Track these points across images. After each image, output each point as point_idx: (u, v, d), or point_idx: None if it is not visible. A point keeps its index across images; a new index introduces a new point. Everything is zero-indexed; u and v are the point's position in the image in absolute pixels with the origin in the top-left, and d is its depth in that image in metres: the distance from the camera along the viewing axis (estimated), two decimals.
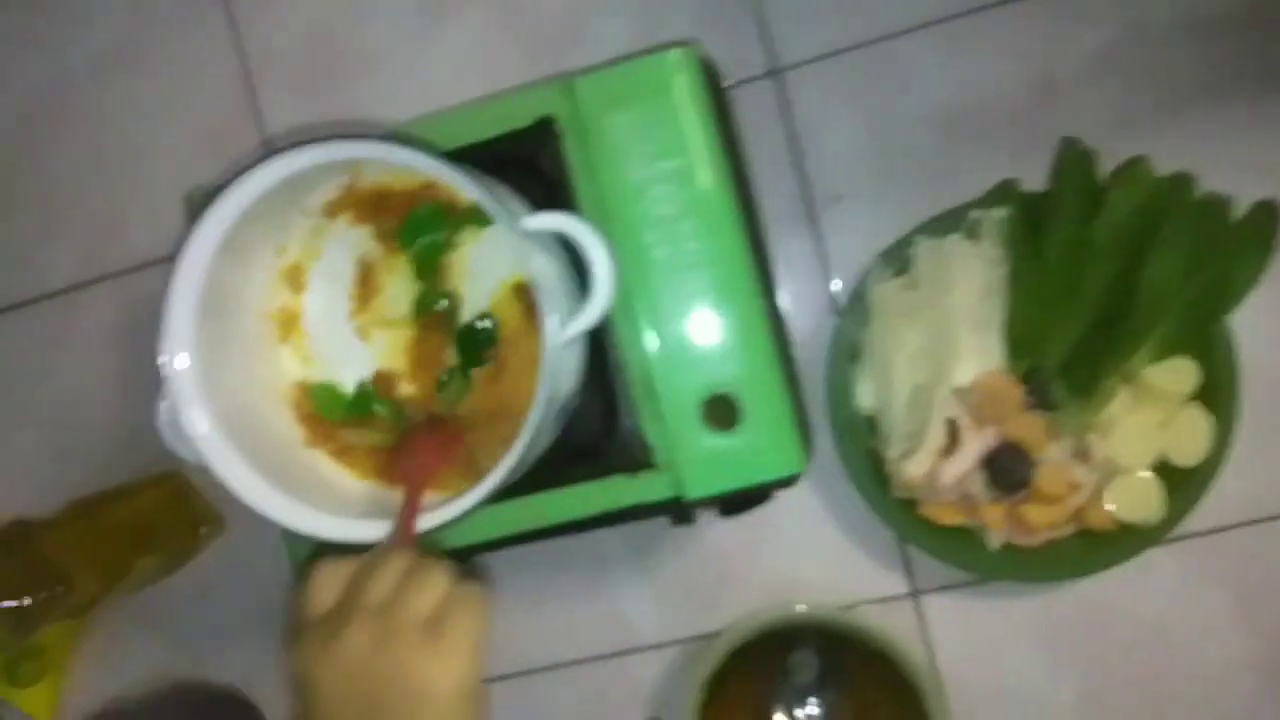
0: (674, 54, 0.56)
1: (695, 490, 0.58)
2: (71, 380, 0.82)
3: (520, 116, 0.58)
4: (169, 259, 0.79)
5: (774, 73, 0.72)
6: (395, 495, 0.56)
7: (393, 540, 0.51)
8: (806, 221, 0.72)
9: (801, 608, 0.69)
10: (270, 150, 0.50)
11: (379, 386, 0.60)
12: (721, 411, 0.57)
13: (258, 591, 0.80)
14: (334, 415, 0.59)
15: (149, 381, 0.79)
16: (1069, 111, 0.69)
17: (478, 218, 0.56)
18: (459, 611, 0.45)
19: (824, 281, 0.73)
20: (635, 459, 0.58)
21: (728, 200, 0.57)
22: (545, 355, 0.47)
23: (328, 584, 0.47)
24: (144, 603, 0.79)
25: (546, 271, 0.48)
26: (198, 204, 0.62)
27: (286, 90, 0.78)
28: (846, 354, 0.69)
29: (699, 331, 0.57)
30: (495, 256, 0.58)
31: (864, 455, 0.69)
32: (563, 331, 0.48)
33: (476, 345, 0.58)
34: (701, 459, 0.57)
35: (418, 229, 0.57)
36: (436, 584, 0.46)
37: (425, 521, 0.51)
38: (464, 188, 0.48)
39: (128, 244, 0.80)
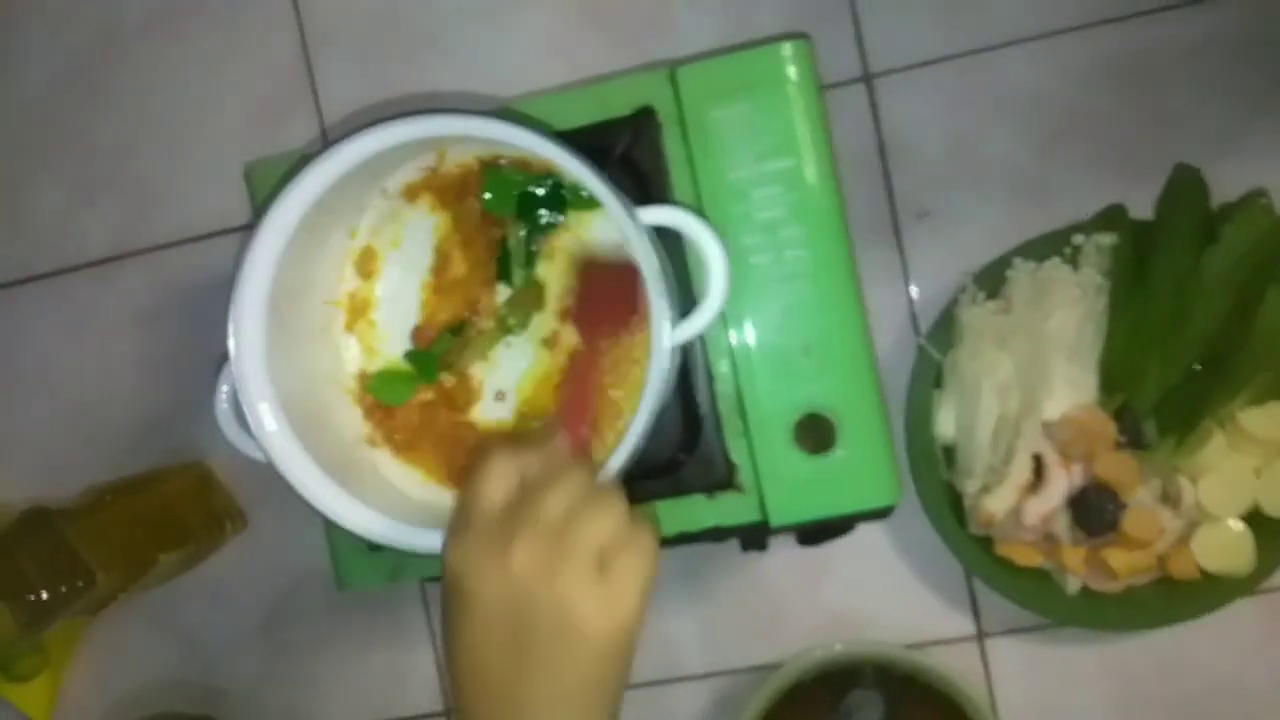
0: (788, 46, 0.53)
1: (781, 516, 0.54)
2: (96, 358, 0.77)
3: (618, 104, 0.54)
4: (208, 236, 0.76)
5: (867, 78, 0.69)
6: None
7: (560, 419, 0.48)
8: (890, 234, 0.69)
9: (863, 644, 0.65)
10: (372, 119, 0.45)
11: (417, 339, 0.56)
12: (815, 433, 0.53)
13: (276, 596, 0.76)
14: (402, 398, 0.55)
15: (177, 364, 0.76)
16: (1177, 138, 0.66)
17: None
18: (631, 552, 0.42)
19: (904, 299, 0.69)
20: (717, 478, 0.54)
21: (837, 207, 0.53)
22: (656, 358, 0.43)
23: (501, 478, 0.43)
24: (154, 599, 0.75)
25: (656, 269, 0.44)
26: (259, 178, 0.58)
27: (345, 66, 0.73)
28: (930, 378, 0.65)
29: (796, 345, 0.53)
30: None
31: (941, 487, 0.65)
32: (674, 334, 0.44)
33: (538, 208, 0.53)
34: (790, 483, 0.53)
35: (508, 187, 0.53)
36: (613, 516, 0.42)
37: None
38: (580, 175, 0.44)
39: (165, 217, 0.75)
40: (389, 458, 0.55)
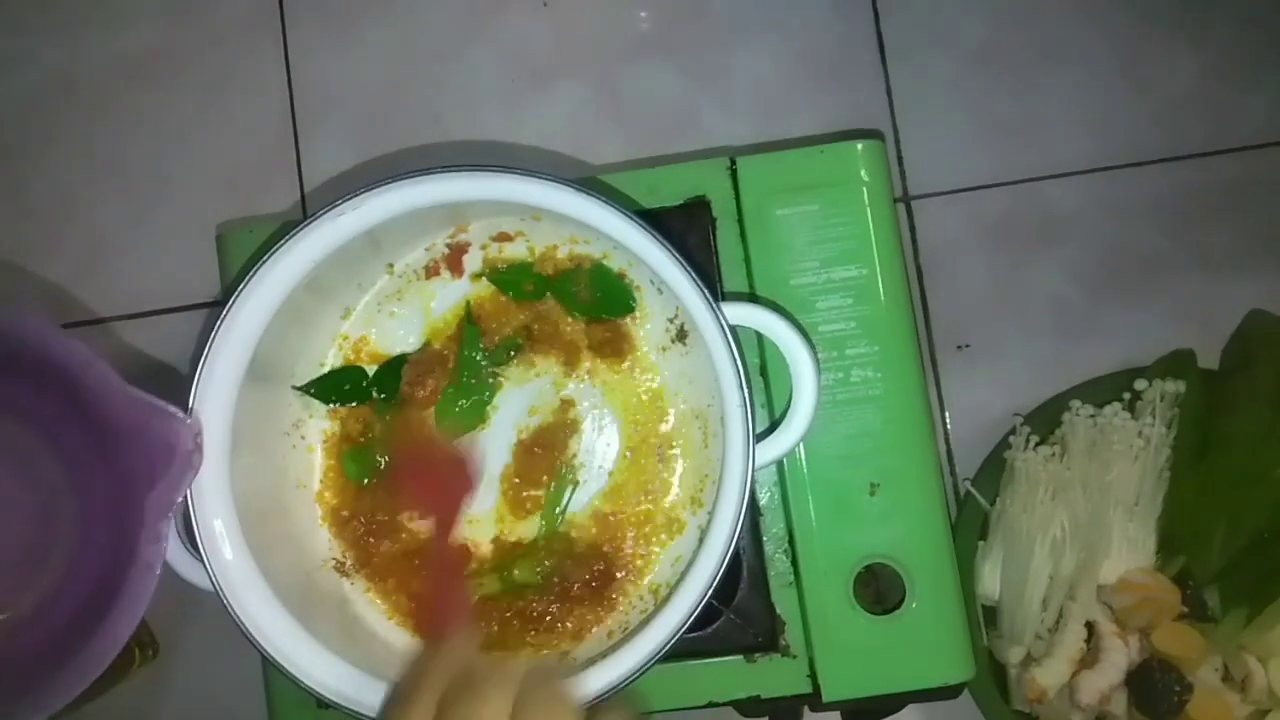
0: (862, 145, 0.47)
1: (836, 689, 0.45)
2: None
3: (668, 192, 0.47)
4: (156, 313, 0.66)
5: (906, 199, 0.64)
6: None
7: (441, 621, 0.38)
8: (925, 367, 0.63)
9: None
10: (411, 170, 0.38)
11: None
12: (878, 588, 0.45)
13: None
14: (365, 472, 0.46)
15: None
16: (1230, 283, 0.62)
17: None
18: None
19: (941, 437, 0.62)
20: (759, 637, 0.45)
21: (911, 325, 0.46)
22: (730, 483, 0.35)
23: (419, 709, 0.33)
24: None
25: (737, 378, 0.36)
26: (233, 245, 0.49)
27: (336, 139, 0.66)
28: (975, 529, 0.58)
29: (861, 482, 0.45)
30: None
31: (982, 654, 0.57)
32: (757, 455, 0.35)
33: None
34: (848, 647, 0.45)
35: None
36: None
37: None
38: (657, 263, 0.37)
39: (108, 289, 0.65)
40: (360, 588, 0.44)
